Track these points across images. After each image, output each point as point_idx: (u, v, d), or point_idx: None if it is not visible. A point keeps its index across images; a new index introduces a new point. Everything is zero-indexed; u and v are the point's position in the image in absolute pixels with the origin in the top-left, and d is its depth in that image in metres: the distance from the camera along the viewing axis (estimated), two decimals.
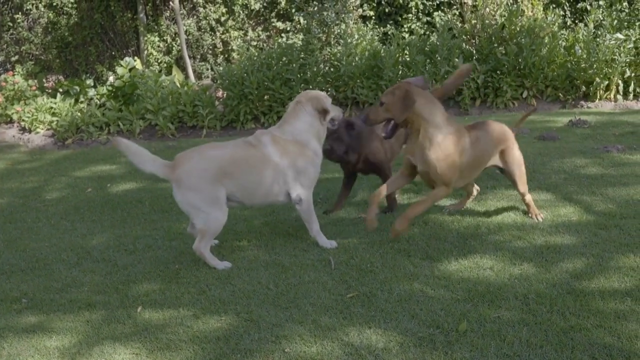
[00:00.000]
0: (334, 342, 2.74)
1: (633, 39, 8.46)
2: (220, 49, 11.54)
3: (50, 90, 10.24)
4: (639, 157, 5.27)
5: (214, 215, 3.58)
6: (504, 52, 8.63)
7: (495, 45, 8.77)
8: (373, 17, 10.94)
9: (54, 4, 11.55)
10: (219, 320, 3.03)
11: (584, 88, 8.63)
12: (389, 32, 10.57)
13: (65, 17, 11.72)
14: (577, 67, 8.55)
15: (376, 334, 2.77)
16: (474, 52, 8.84)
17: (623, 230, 3.69)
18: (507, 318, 2.80)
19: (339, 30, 9.74)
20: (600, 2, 9.68)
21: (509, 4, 9.18)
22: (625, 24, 8.87)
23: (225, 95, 9.20)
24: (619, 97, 8.58)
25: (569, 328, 2.68)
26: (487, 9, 9.02)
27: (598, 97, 8.55)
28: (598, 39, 8.55)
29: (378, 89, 8.71)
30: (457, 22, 9.74)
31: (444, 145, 3.51)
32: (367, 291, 3.17)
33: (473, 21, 9.09)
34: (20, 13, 11.71)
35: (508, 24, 8.79)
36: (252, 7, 11.38)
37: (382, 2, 10.93)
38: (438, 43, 8.85)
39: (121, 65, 9.70)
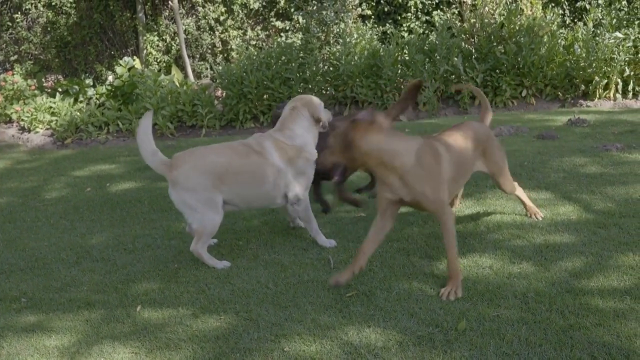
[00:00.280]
0: (333, 341, 2.74)
1: (632, 37, 8.47)
2: (220, 49, 11.55)
3: (49, 90, 10.24)
4: (638, 155, 5.27)
5: (210, 216, 3.57)
6: (503, 51, 8.63)
7: (495, 44, 8.77)
8: (372, 16, 10.95)
9: (53, 3, 11.55)
10: (218, 319, 3.03)
11: (583, 87, 8.64)
12: (388, 31, 10.58)
13: (64, 16, 11.72)
14: (576, 66, 8.56)
15: (375, 333, 2.77)
16: (473, 51, 8.85)
17: (622, 229, 3.68)
18: (506, 317, 2.80)
19: (338, 30, 9.75)
20: (600, 1, 9.68)
21: (508, 3, 9.18)
22: (625, 22, 8.89)
23: (224, 94, 9.20)
24: (618, 95, 8.58)
25: (568, 327, 2.68)
26: (486, 8, 9.03)
27: (597, 95, 8.56)
28: (597, 38, 8.56)
29: (377, 88, 8.72)
30: (456, 21, 9.76)
31: (419, 165, 3.07)
32: (366, 290, 3.17)
33: (472, 20, 9.09)
34: (19, 12, 11.71)
35: (507, 23, 8.79)
36: (251, 7, 11.39)
37: (381, 1, 10.94)
38: (437, 42, 8.86)
39: (120, 65, 9.70)
